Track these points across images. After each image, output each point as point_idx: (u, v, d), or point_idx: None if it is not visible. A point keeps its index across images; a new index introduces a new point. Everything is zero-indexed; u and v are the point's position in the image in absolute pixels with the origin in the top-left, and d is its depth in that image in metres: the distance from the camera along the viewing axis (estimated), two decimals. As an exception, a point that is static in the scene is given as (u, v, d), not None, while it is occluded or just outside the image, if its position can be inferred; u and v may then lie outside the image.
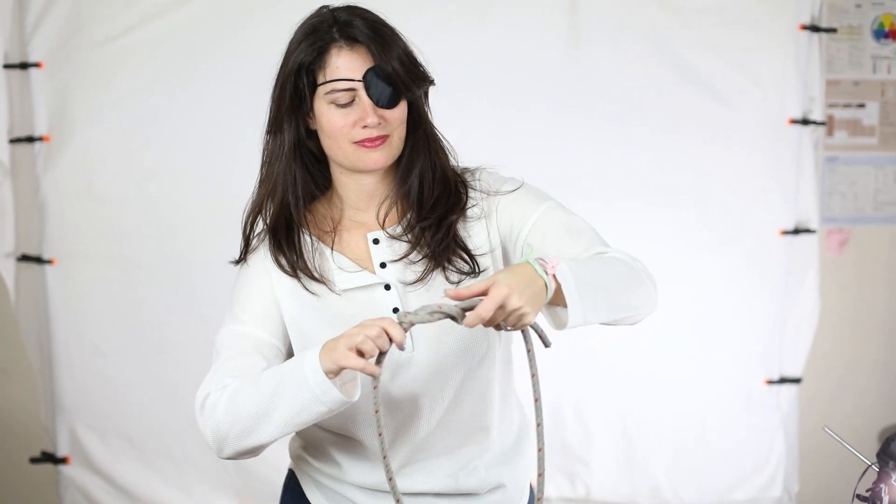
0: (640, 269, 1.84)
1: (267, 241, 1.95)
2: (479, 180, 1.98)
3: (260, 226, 1.99)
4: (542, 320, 1.76)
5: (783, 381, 3.87)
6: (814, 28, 3.74)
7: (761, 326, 3.85)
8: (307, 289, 1.90)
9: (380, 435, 1.73)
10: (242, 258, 1.99)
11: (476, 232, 1.94)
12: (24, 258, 3.67)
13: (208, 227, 3.62)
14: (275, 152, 1.94)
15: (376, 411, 1.71)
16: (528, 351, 1.74)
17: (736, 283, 3.82)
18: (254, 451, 1.82)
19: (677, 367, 3.81)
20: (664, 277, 3.71)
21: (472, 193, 1.96)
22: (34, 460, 3.76)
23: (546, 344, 1.75)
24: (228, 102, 3.60)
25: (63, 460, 3.74)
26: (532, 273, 1.66)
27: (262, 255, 1.95)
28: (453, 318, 1.66)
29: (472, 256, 1.91)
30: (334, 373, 1.69)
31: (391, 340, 1.65)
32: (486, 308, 1.61)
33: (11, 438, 3.86)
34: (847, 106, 4.05)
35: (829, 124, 4.02)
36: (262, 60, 3.57)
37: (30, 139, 3.60)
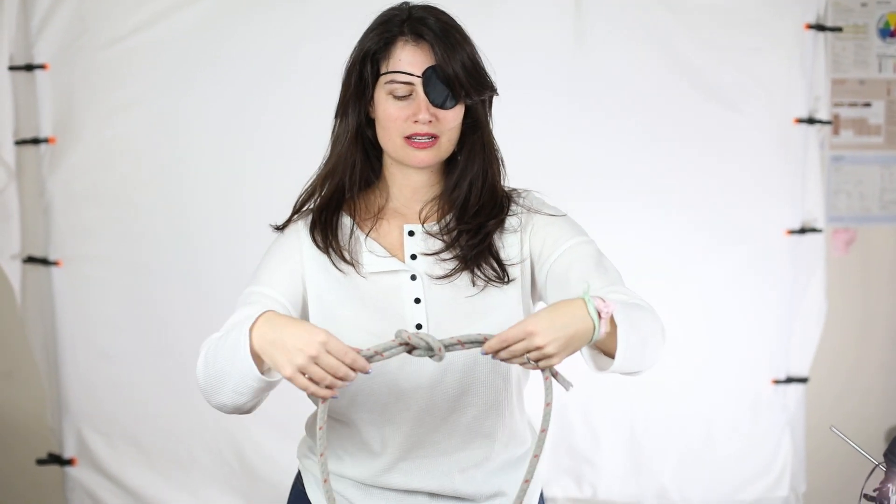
0: (660, 324, 1.84)
1: (308, 217, 1.99)
2: (523, 198, 2.02)
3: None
4: (574, 359, 1.75)
5: (790, 380, 3.87)
6: (819, 27, 3.74)
7: (768, 326, 3.84)
8: (336, 266, 1.93)
9: (321, 455, 1.72)
10: (282, 227, 2.02)
11: (510, 243, 1.96)
12: (30, 260, 3.67)
13: (215, 229, 3.63)
14: (339, 136, 1.99)
15: (320, 428, 1.71)
16: (546, 379, 1.72)
17: (742, 283, 3.81)
18: (235, 410, 1.81)
19: (683, 367, 3.80)
20: (670, 277, 3.74)
21: (513, 207, 1.99)
22: (41, 462, 3.77)
23: (566, 388, 1.74)
24: (235, 104, 3.61)
25: (69, 462, 3.75)
26: (579, 314, 1.66)
27: (299, 228, 1.99)
28: (431, 351, 1.66)
29: (502, 266, 1.93)
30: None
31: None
32: (509, 334, 1.63)
33: (18, 440, 3.86)
34: (853, 105, 4.05)
35: (834, 123, 4.01)
36: (268, 62, 3.64)
37: (35, 141, 3.61)
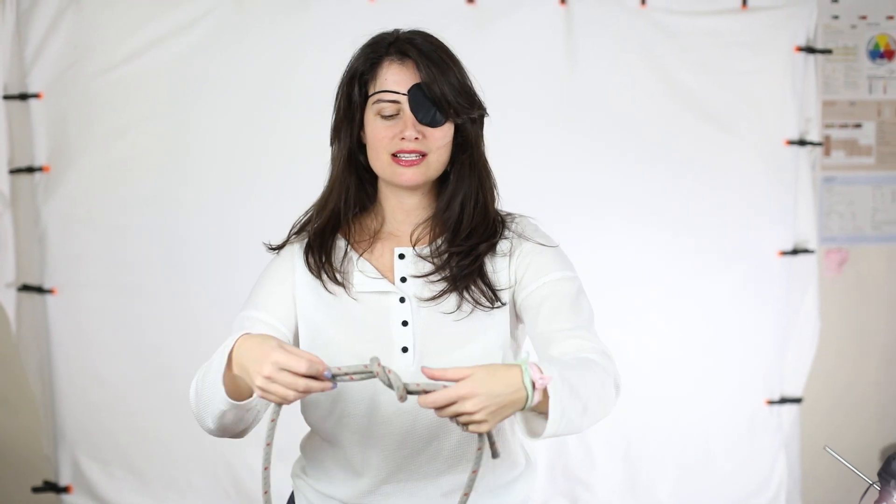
0: (612, 378, 1.82)
1: (303, 239, 2.01)
2: (516, 223, 2.02)
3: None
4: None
5: (784, 401, 3.87)
6: (809, 49, 3.76)
7: (762, 347, 3.85)
8: (327, 289, 1.95)
9: (265, 469, 1.72)
10: (278, 248, 2.04)
11: (501, 267, 1.96)
12: (25, 288, 3.67)
13: (209, 255, 3.63)
14: (334, 160, 2.01)
15: (268, 444, 1.71)
16: (478, 449, 1.71)
17: (736, 305, 3.82)
18: (222, 433, 1.84)
19: (679, 389, 3.81)
20: (664, 298, 3.74)
21: (506, 232, 1.99)
22: (36, 489, 3.75)
23: (494, 454, 1.71)
24: (228, 130, 3.62)
25: (65, 489, 3.73)
26: (514, 382, 1.64)
27: (294, 251, 2.00)
28: (392, 387, 1.64)
29: (492, 289, 1.93)
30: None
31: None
32: (438, 397, 1.61)
33: (13, 468, 3.85)
34: (844, 126, 4.07)
35: (825, 145, 4.03)
36: (261, 88, 3.65)
37: (30, 169, 3.61)
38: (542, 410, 1.70)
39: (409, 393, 1.64)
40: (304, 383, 1.62)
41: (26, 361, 3.71)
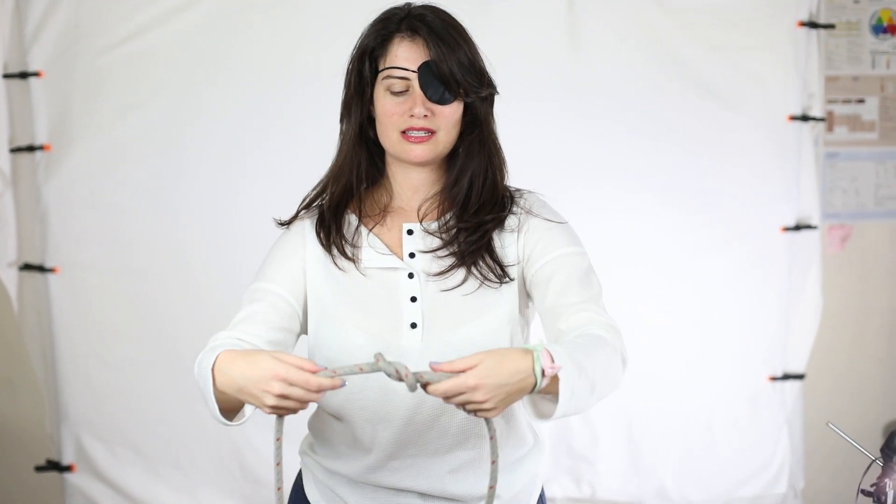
0: (619, 353, 1.83)
1: (314, 214, 2.02)
2: (525, 199, 2.02)
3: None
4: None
5: (787, 377, 3.87)
6: (812, 24, 3.75)
7: (764, 323, 3.85)
8: (336, 264, 1.95)
9: (277, 465, 1.71)
10: (287, 223, 2.04)
11: (509, 243, 1.96)
12: (27, 267, 3.67)
13: (211, 234, 3.63)
14: (344, 137, 2.01)
15: (277, 439, 1.71)
16: (491, 438, 1.71)
17: (738, 281, 3.82)
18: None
19: (681, 366, 3.81)
20: (667, 275, 3.74)
21: (514, 208, 1.99)
22: (39, 469, 3.76)
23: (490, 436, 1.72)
24: (230, 110, 3.61)
25: (68, 468, 3.74)
26: (523, 369, 1.64)
27: (305, 226, 2.01)
28: (401, 379, 1.63)
29: (500, 265, 1.93)
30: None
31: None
32: (447, 386, 1.61)
33: (17, 447, 3.86)
34: (847, 101, 4.06)
35: (828, 120, 4.02)
36: (264, 68, 3.65)
37: (31, 148, 3.60)
38: (549, 391, 1.71)
39: (419, 383, 1.64)
40: (316, 392, 1.62)
41: (28, 341, 3.71)
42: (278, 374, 1.61)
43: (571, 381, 1.67)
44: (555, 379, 1.67)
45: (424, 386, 1.64)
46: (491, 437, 1.71)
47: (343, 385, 1.65)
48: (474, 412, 1.64)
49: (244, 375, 1.66)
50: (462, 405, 1.64)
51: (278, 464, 1.70)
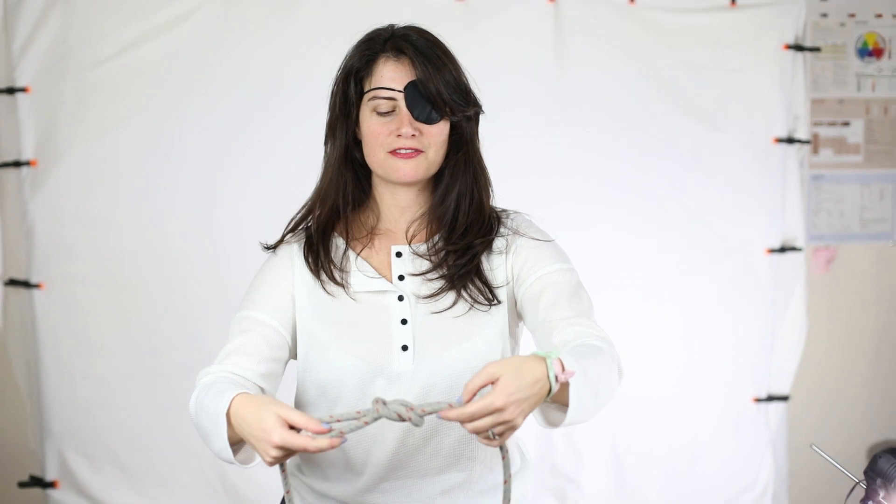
0: (616, 364, 1.82)
1: (301, 238, 2.00)
2: (511, 219, 2.02)
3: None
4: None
5: (771, 398, 3.88)
6: (798, 47, 3.77)
7: (749, 345, 3.86)
8: (325, 289, 1.94)
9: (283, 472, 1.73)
10: (274, 247, 2.03)
11: (497, 265, 1.96)
12: (12, 282, 3.66)
13: (199, 250, 3.62)
14: (329, 158, 2.00)
15: (287, 492, 1.72)
16: (503, 458, 1.70)
17: (723, 302, 3.82)
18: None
19: (666, 386, 3.81)
20: (652, 296, 3.75)
21: (501, 229, 1.99)
22: (22, 485, 3.74)
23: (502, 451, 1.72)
24: (217, 124, 3.61)
25: (52, 484, 3.72)
26: (540, 377, 1.61)
27: (293, 250, 2.00)
28: (404, 420, 1.61)
29: (490, 288, 1.93)
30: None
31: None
32: (475, 408, 1.56)
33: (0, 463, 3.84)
34: (832, 124, 4.08)
35: (814, 143, 4.04)
36: (252, 83, 3.65)
37: (17, 164, 3.60)
38: (554, 399, 1.70)
39: (426, 414, 1.61)
40: (314, 446, 1.60)
41: (13, 356, 3.70)
42: (280, 442, 1.59)
43: (579, 388, 1.66)
44: (561, 387, 1.66)
45: (435, 413, 1.60)
46: (503, 458, 1.70)
47: (344, 441, 1.62)
48: (500, 433, 1.60)
49: (249, 427, 1.66)
50: (487, 428, 1.59)
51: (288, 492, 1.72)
